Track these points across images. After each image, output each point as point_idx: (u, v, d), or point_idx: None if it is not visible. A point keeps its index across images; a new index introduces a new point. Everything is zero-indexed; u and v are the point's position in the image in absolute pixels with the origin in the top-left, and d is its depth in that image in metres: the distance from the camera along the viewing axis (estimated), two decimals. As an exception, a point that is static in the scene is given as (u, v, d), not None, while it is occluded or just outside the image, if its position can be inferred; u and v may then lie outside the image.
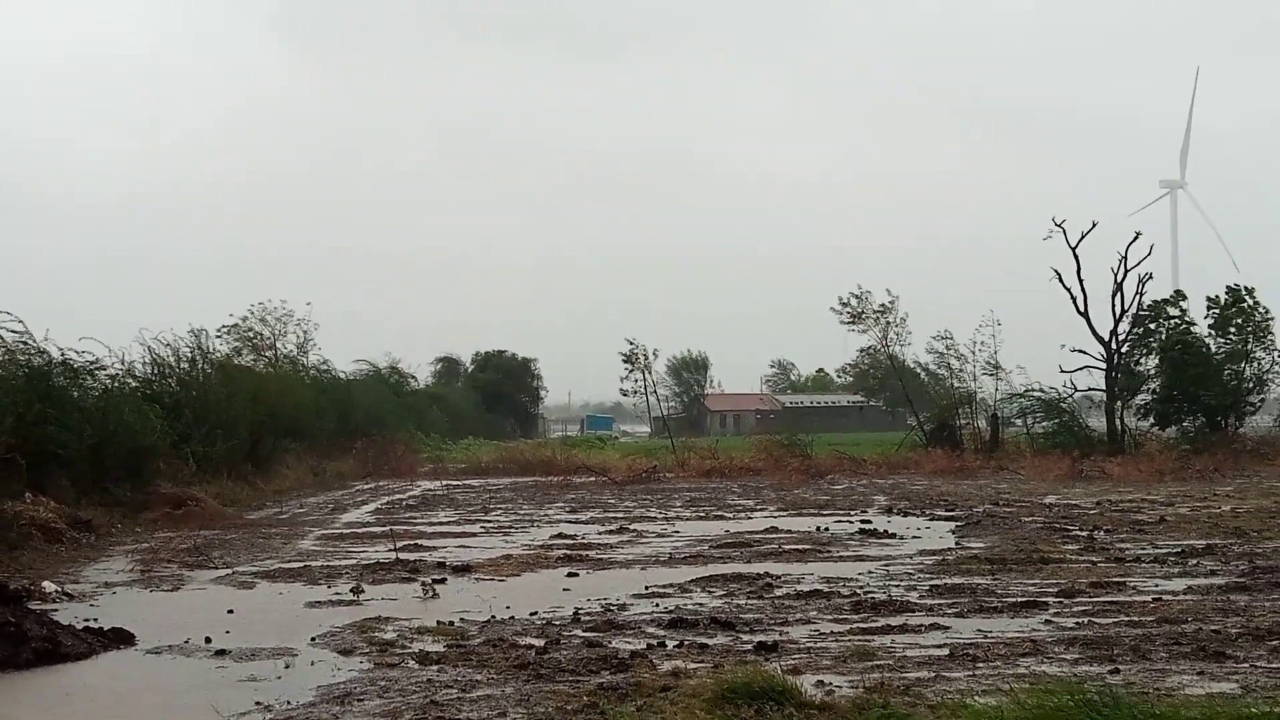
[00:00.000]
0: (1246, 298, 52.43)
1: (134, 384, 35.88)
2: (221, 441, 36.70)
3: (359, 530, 27.04)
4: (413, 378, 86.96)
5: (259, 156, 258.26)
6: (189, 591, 18.05)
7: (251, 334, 58.70)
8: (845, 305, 56.91)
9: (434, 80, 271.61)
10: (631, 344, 62.10)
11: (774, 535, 24.33)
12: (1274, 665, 11.47)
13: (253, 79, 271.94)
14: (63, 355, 30.88)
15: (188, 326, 40.75)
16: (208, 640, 13.48)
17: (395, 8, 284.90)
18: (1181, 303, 53.74)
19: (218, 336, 53.78)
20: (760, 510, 31.19)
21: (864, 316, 56.87)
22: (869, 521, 27.00)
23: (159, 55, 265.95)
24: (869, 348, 63.68)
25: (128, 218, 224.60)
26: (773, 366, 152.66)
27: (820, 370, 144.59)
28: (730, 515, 29.83)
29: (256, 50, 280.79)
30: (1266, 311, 52.31)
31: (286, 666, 12.30)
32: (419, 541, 23.82)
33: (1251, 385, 52.38)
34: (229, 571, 19.97)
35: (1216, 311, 52.60)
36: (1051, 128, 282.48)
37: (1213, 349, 52.37)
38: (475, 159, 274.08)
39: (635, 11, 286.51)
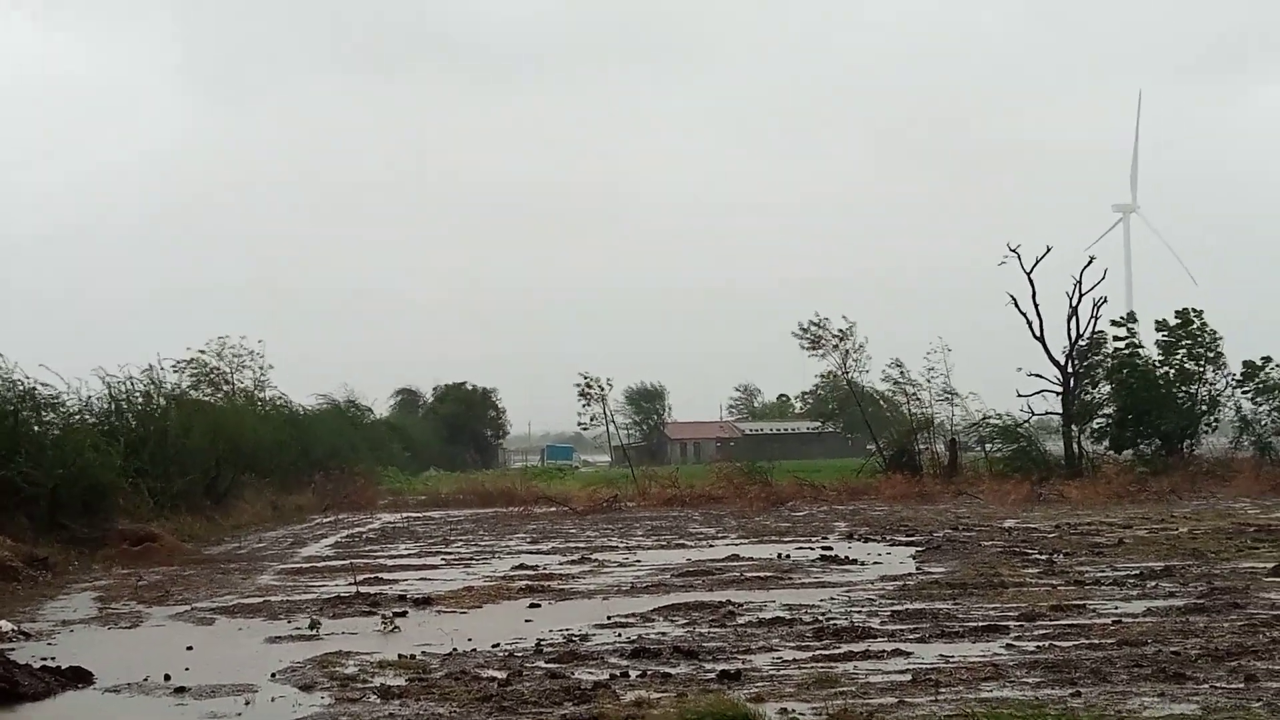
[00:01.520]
0: (1195, 320, 52.88)
1: (92, 420, 35.62)
2: (180, 477, 36.46)
3: (319, 564, 26.89)
4: (369, 410, 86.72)
5: (182, 193, 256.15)
6: (148, 629, 17.90)
7: (208, 369, 58.39)
8: (805, 331, 57.18)
9: (347, 119, 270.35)
10: (585, 377, 62.26)
11: (736, 563, 24.34)
12: (1234, 686, 11.55)
13: (161, 122, 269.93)
14: (31, 387, 30.69)
15: (125, 363, 40.29)
16: (167, 678, 13.36)
17: (292, 54, 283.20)
18: (1131, 324, 54.21)
19: (175, 370, 53.51)
20: (721, 538, 31.19)
21: (823, 342, 57.12)
22: (830, 548, 27.04)
23: (63, 91, 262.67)
24: (828, 374, 63.74)
25: (58, 252, 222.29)
26: (738, 390, 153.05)
27: (783, 395, 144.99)
28: (692, 543, 29.83)
29: (165, 94, 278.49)
30: (1215, 333, 52.78)
31: (247, 703, 12.21)
32: (379, 575, 23.71)
33: (1205, 407, 52.81)
34: (188, 608, 19.81)
35: (1165, 335, 53.06)
36: (995, 154, 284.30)
37: (1163, 372, 52.71)
38: (405, 194, 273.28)
39: (533, 37, 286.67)
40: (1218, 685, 11.61)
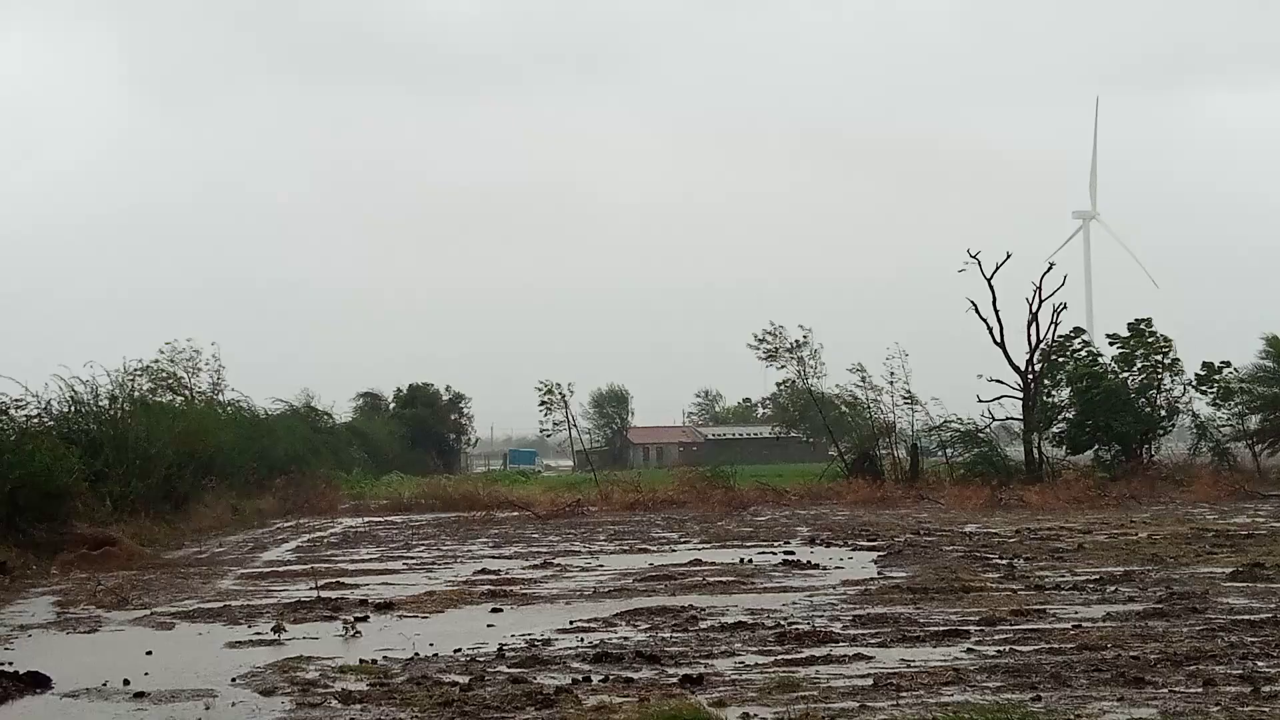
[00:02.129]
0: (1146, 329, 53.40)
1: (50, 422, 35.36)
2: (139, 480, 36.24)
3: (280, 569, 26.77)
4: (328, 414, 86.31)
5: (130, 196, 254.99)
6: (107, 633, 17.78)
7: (164, 374, 58.02)
8: (761, 341, 57.25)
9: (297, 124, 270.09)
10: (545, 385, 62.13)
11: (698, 568, 24.35)
12: (1192, 690, 11.63)
13: (109, 126, 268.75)
14: None
15: (88, 365, 40.02)
16: (126, 682, 13.28)
17: (242, 60, 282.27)
18: (1083, 336, 54.91)
19: (131, 377, 53.11)
20: (684, 543, 31.21)
21: (779, 352, 57.20)
22: (792, 553, 27.10)
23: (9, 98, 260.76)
24: (787, 381, 63.86)
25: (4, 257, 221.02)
26: (699, 396, 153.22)
27: (746, 399, 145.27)
28: (654, 548, 29.83)
29: (110, 100, 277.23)
30: (1167, 341, 53.23)
31: (207, 708, 12.15)
32: (341, 579, 23.62)
33: (1164, 413, 53.24)
34: (147, 612, 19.69)
35: (1120, 347, 53.52)
36: (951, 162, 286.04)
37: (1120, 380, 53.16)
38: (354, 196, 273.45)
39: (482, 47, 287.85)
40: (1176, 690, 11.69)
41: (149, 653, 15.49)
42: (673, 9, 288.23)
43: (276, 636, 16.39)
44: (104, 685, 13.25)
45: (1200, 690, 11.61)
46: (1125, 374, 53.42)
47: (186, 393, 57.62)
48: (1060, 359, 53.96)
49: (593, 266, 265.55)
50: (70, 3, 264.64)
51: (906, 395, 54.45)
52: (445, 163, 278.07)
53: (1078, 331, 55.44)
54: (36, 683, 13.34)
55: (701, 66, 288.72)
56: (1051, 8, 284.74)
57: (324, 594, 20.70)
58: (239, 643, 16.22)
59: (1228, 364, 53.71)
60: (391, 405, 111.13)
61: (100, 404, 39.01)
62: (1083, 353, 54.26)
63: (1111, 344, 53.94)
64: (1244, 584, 19.46)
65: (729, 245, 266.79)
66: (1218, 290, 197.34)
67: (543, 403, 62.49)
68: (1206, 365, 53.47)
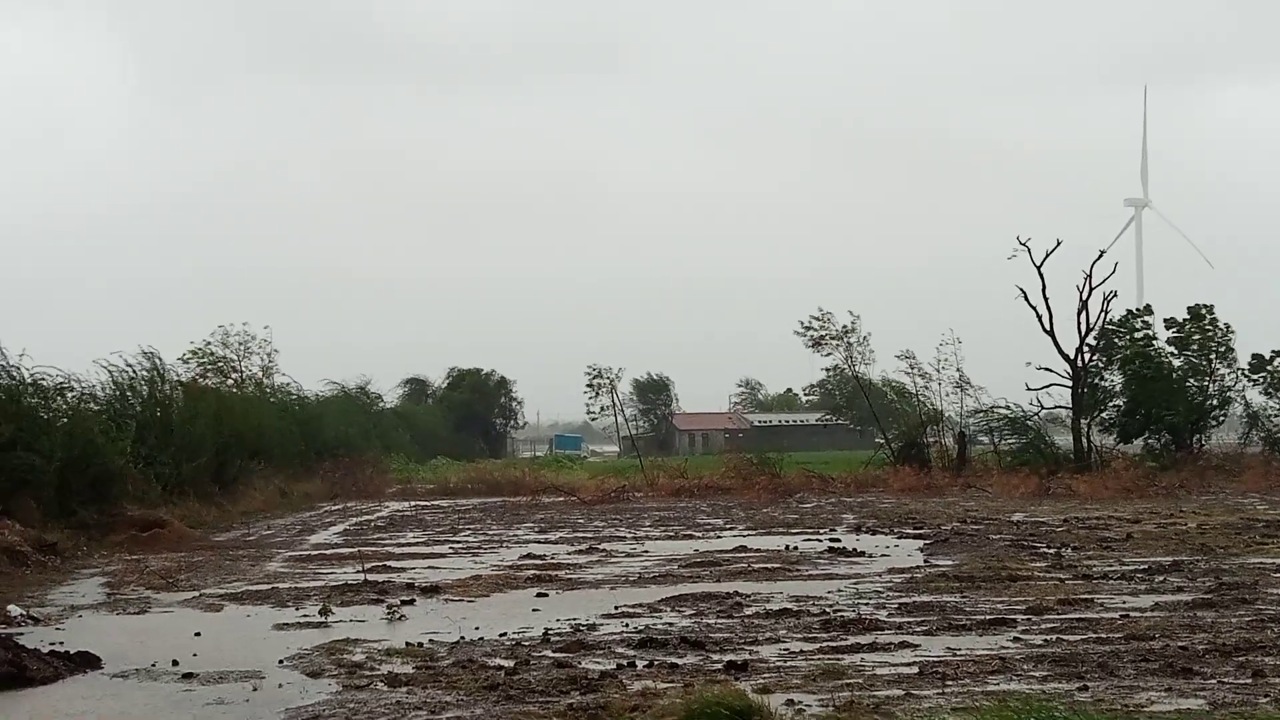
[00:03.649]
0: (1206, 315, 52.88)
1: (97, 407, 35.65)
2: (187, 463, 36.51)
3: (326, 552, 26.92)
4: (380, 398, 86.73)
5: (144, 188, 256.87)
6: (156, 614, 17.94)
7: (215, 358, 58.40)
8: (808, 328, 57.00)
9: (318, 116, 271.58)
10: (593, 369, 62.27)
11: (743, 554, 24.33)
12: (1241, 681, 11.53)
13: (116, 121, 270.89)
14: (32, 376, 30.75)
15: (140, 349, 40.32)
16: (175, 663, 13.40)
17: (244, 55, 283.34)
18: (1147, 316, 54.22)
19: (183, 362, 53.55)
20: (729, 529, 31.20)
21: (827, 338, 56.99)
22: (838, 540, 27.04)
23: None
24: (835, 368, 63.56)
25: (40, 242, 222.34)
26: (740, 386, 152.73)
27: (789, 390, 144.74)
28: (699, 534, 29.83)
29: (118, 96, 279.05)
30: (1227, 328, 52.77)
31: (254, 689, 12.23)
32: (387, 563, 23.74)
33: (1215, 402, 52.78)
34: (196, 594, 19.85)
35: (1176, 331, 53.04)
36: (996, 151, 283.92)
37: (1175, 367, 52.79)
38: (394, 186, 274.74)
39: (498, 42, 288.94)
40: (1225, 680, 11.59)
41: (197, 634, 15.63)
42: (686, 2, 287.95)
43: (323, 619, 16.49)
44: (153, 666, 13.37)
45: (1249, 681, 11.51)
46: (1179, 359, 52.92)
47: (236, 375, 58.01)
48: (1117, 339, 53.45)
49: (622, 257, 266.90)
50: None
51: (958, 381, 54.08)
52: (469, 154, 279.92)
53: (1141, 311, 54.74)
54: (86, 662, 13.47)
55: (720, 57, 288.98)
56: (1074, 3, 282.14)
57: (370, 577, 20.81)
58: (286, 625, 16.33)
59: (1278, 354, 53.15)
60: (440, 389, 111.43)
61: (142, 388, 39.23)
62: (1140, 335, 53.60)
63: (1169, 328, 53.35)
64: (1295, 575, 19.28)
65: (758, 236, 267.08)
66: (1259, 283, 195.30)
67: (590, 385, 62.62)
68: (1257, 356, 52.95)
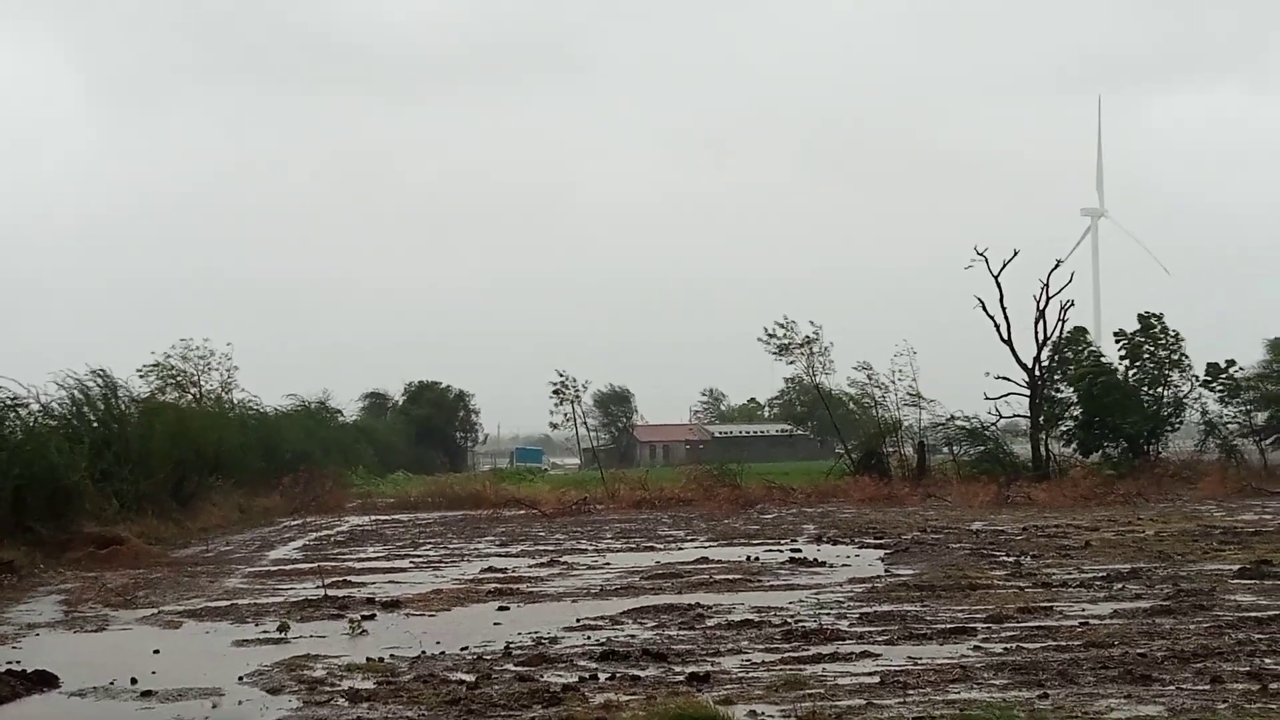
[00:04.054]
0: (1156, 324, 53.34)
1: (53, 422, 35.38)
2: (144, 479, 36.26)
3: (286, 567, 26.80)
4: (339, 412, 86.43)
5: (101, 201, 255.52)
6: (114, 632, 17.81)
7: (174, 372, 58.14)
8: (772, 336, 57.30)
9: (281, 126, 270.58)
10: (561, 376, 62.18)
11: (705, 565, 24.35)
12: (1199, 688, 11.61)
13: (72, 134, 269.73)
14: None
15: (88, 365, 39.99)
16: (133, 681, 13.29)
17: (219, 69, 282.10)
18: (1087, 335, 55.07)
19: (140, 375, 53.29)
20: (691, 541, 31.21)
21: (790, 347, 57.23)
22: (799, 550, 27.09)
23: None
24: (796, 378, 63.86)
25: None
26: (703, 395, 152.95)
27: (752, 400, 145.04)
28: (661, 546, 29.83)
29: (71, 108, 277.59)
30: (1177, 335, 53.21)
31: (214, 706, 12.16)
32: (348, 578, 23.65)
33: (1170, 410, 53.18)
34: (155, 611, 19.72)
35: (1126, 343, 53.47)
36: (954, 160, 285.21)
37: (1127, 377, 53.19)
38: (362, 195, 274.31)
39: (455, 49, 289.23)
40: (1184, 687, 11.67)
41: (156, 651, 15.52)
42: (652, 7, 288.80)
43: (283, 635, 16.41)
44: (111, 684, 13.27)
45: (1208, 687, 11.59)
46: (1132, 370, 53.38)
47: (195, 391, 57.74)
48: (1068, 354, 53.91)
49: (583, 266, 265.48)
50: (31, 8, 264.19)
51: (913, 393, 54.45)
52: (425, 163, 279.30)
53: (1080, 332, 55.41)
54: (44, 681, 13.36)
55: (682, 64, 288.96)
56: (1029, 8, 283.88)
57: (331, 592, 20.72)
58: (246, 641, 16.24)
59: (1233, 362, 53.70)
60: (398, 403, 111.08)
61: (100, 404, 38.92)
62: (1085, 353, 54.18)
63: (1118, 340, 53.87)
64: (1251, 581, 19.40)
65: (722, 245, 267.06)
66: (1216, 290, 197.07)
67: (557, 393, 62.50)
68: (1212, 365, 53.43)
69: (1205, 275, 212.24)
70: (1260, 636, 14.21)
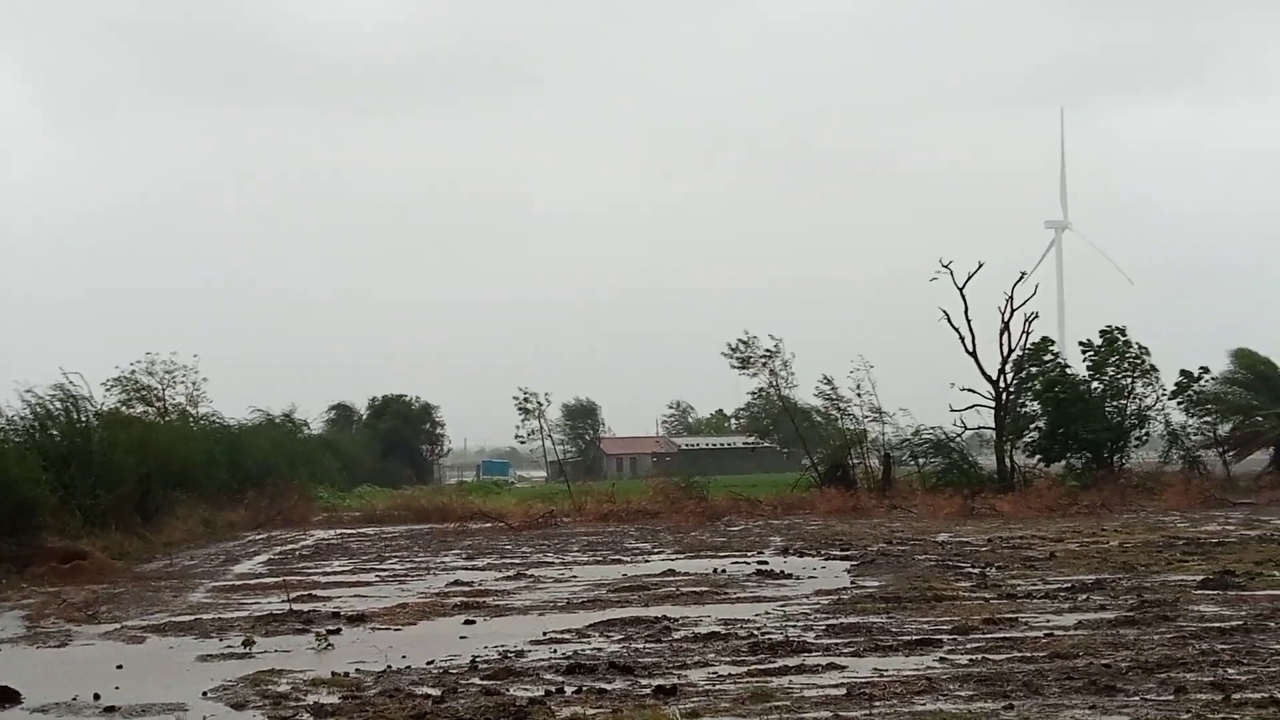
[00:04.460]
0: (1119, 337, 53.70)
1: (16, 437, 35.11)
2: (108, 493, 36.02)
3: (251, 582, 26.66)
4: (305, 425, 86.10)
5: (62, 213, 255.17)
6: (77, 647, 17.68)
7: (139, 386, 57.82)
8: (734, 350, 57.45)
9: (229, 140, 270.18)
10: (524, 392, 62.07)
11: (671, 578, 24.34)
12: (1164, 698, 11.67)
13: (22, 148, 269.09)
14: None
15: (60, 377, 39.72)
16: (96, 697, 13.20)
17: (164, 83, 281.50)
18: (1052, 347, 55.36)
19: (105, 389, 52.96)
20: (657, 553, 31.21)
21: (752, 361, 57.41)
22: (765, 562, 27.11)
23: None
24: (760, 390, 63.82)
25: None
26: (670, 408, 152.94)
27: (719, 411, 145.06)
28: (628, 559, 29.82)
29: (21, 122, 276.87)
30: (1141, 348, 53.56)
31: (178, 722, 12.09)
32: (313, 592, 23.54)
33: (1134, 421, 53.51)
34: (118, 626, 19.58)
35: (1091, 354, 53.81)
36: (914, 174, 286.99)
37: (1092, 388, 53.52)
38: (320, 208, 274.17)
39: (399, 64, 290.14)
40: (1148, 697, 11.73)
41: (119, 667, 15.41)
42: (609, 21, 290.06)
43: (248, 650, 16.32)
44: (74, 700, 13.18)
45: (1172, 698, 11.65)
46: (1096, 382, 53.71)
47: (160, 404, 57.44)
48: (1033, 367, 54.20)
49: (545, 280, 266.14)
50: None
51: (873, 407, 54.73)
52: (384, 177, 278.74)
53: (1046, 342, 55.75)
54: (5, 698, 13.25)
55: (631, 76, 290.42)
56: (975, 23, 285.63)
57: (296, 607, 20.62)
58: (210, 656, 16.15)
59: (1206, 370, 54.14)
60: (364, 416, 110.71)
61: (63, 417, 38.64)
62: (1050, 364, 54.51)
63: (1083, 351, 54.20)
64: (1215, 592, 19.53)
65: (687, 257, 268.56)
66: (1180, 302, 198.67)
67: (520, 409, 62.46)
68: (1185, 374, 53.80)
69: (1168, 286, 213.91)
70: (1224, 647, 14.29)
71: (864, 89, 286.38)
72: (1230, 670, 12.90)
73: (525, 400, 62.03)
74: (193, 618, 20.20)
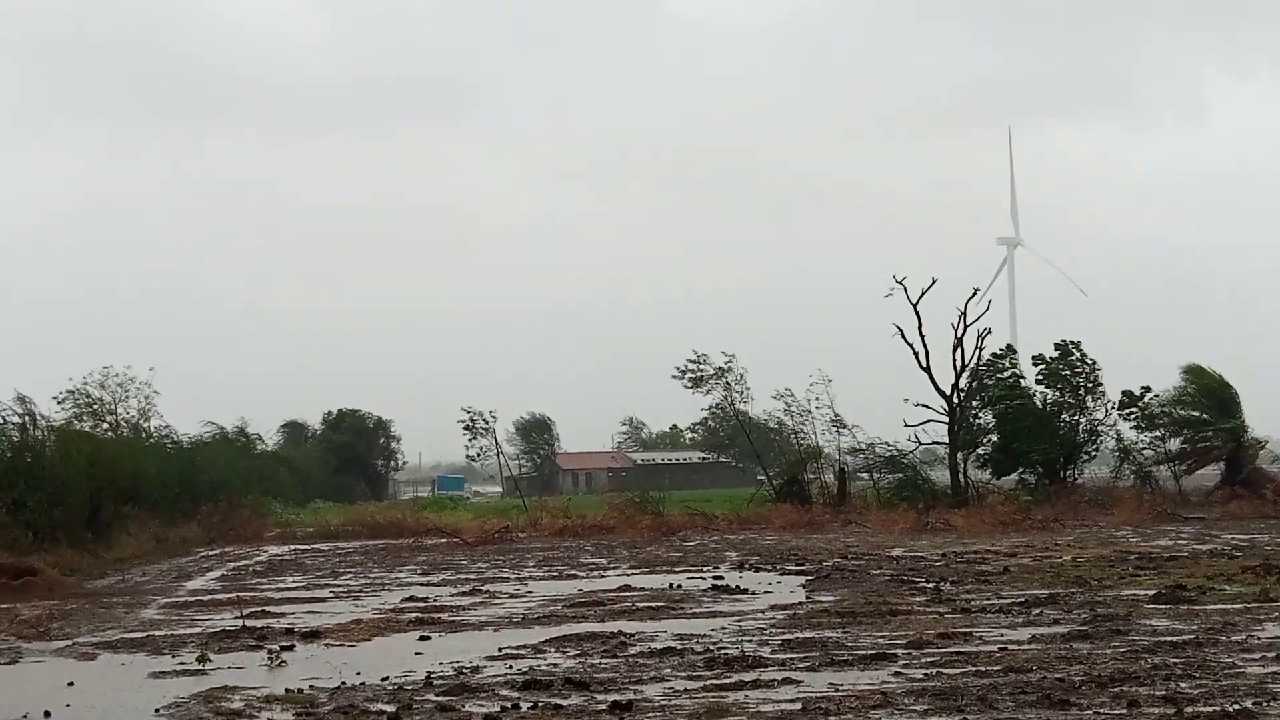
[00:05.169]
0: (1074, 351, 54.09)
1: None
2: (58, 509, 35.70)
3: (204, 598, 26.49)
4: (259, 439, 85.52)
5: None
6: (27, 665, 17.50)
7: (90, 400, 57.39)
8: (685, 371, 57.48)
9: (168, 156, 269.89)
10: (468, 411, 61.76)
11: (627, 593, 24.33)
12: (1116, 712, 11.75)
13: None
14: None
15: (13, 392, 39.46)
16: (47, 715, 13.09)
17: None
18: (1012, 356, 55.51)
19: (58, 403, 52.55)
20: (613, 568, 31.18)
21: (704, 379, 57.44)
22: (721, 577, 27.13)
23: None
24: (715, 405, 63.75)
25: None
26: (624, 424, 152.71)
27: (674, 426, 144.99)
28: (583, 574, 29.79)
29: None
30: (1094, 364, 53.97)
31: (130, 740, 11.99)
32: (266, 608, 23.40)
33: (1086, 436, 53.89)
34: (69, 643, 19.41)
35: (1044, 367, 54.18)
36: (855, 188, 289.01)
37: (1044, 402, 53.91)
38: (257, 225, 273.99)
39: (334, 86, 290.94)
40: (1101, 711, 11.80)
41: (70, 684, 15.27)
42: (546, 44, 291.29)
43: (201, 666, 16.20)
44: (24, 718, 13.06)
45: (1124, 711, 11.73)
46: (1049, 395, 54.06)
47: (111, 419, 57.02)
48: (988, 380, 54.49)
49: (499, 296, 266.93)
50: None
51: (833, 419, 54.81)
52: (331, 194, 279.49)
53: (1009, 350, 56.06)
54: (-46, 716, 13.12)
55: (579, 96, 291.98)
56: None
57: (249, 623, 20.49)
58: (163, 673, 16.02)
59: (1148, 389, 54.53)
60: (318, 431, 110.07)
61: (11, 432, 38.33)
62: (1007, 373, 54.78)
63: (1036, 365, 54.53)
64: (1166, 606, 19.68)
65: (638, 274, 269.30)
66: (1130, 321, 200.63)
67: (467, 428, 62.20)
68: (1127, 394, 54.21)
69: (1121, 304, 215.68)
70: (1175, 661, 14.40)
71: (807, 109, 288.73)
72: (1182, 684, 12.99)
73: (471, 420, 61.83)
74: (145, 634, 20.04)
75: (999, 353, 55.30)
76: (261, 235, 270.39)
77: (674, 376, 57.70)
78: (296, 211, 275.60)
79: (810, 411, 55.19)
